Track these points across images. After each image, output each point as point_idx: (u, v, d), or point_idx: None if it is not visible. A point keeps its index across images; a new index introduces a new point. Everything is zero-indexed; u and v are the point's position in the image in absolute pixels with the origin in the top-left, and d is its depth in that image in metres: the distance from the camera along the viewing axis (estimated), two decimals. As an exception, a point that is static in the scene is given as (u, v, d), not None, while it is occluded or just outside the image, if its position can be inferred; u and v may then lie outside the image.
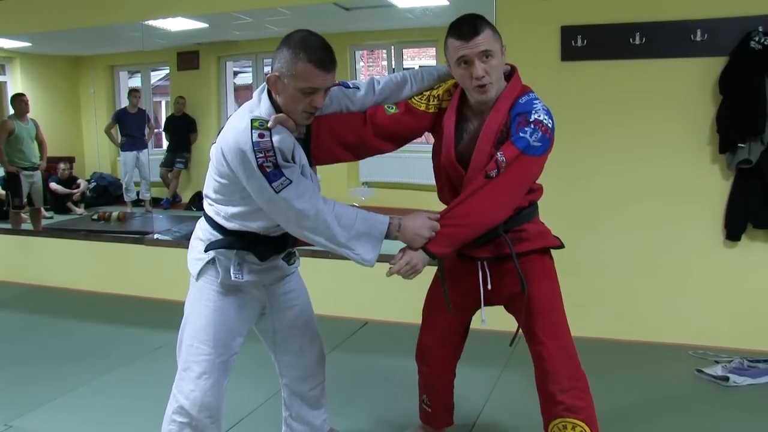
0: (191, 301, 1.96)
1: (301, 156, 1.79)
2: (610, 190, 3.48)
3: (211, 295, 1.92)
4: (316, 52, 1.69)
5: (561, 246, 2.05)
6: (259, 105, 1.77)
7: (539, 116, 1.82)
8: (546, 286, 2.02)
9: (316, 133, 1.87)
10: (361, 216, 1.80)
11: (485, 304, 2.06)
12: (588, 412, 1.99)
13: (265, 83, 1.80)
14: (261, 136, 1.69)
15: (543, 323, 2.00)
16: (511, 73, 1.94)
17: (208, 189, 1.89)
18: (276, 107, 1.76)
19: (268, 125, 1.70)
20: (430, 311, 2.18)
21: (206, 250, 1.89)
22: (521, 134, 1.81)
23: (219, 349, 1.92)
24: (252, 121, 1.71)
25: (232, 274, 1.87)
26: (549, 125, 1.83)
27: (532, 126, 1.81)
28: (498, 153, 1.81)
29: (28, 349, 3.60)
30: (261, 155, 1.67)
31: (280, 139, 1.70)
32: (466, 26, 1.81)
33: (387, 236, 1.82)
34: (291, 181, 1.70)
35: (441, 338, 2.18)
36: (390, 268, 1.85)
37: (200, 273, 1.93)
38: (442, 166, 1.98)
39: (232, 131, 1.74)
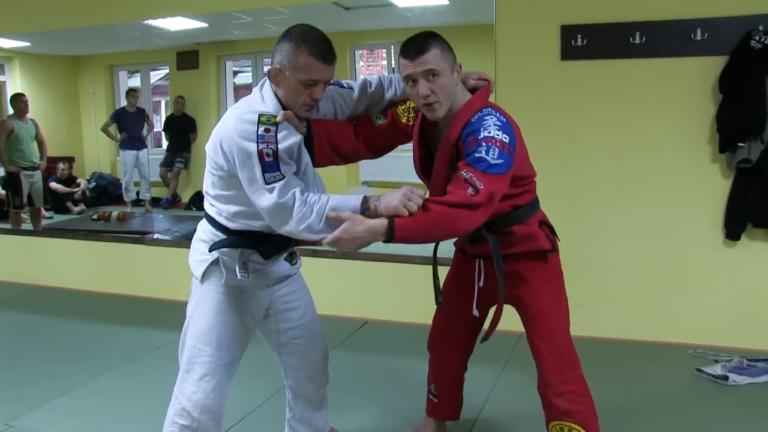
0: (194, 303, 1.96)
1: (304, 153, 1.81)
2: (610, 189, 3.48)
3: (215, 296, 1.92)
4: (318, 44, 1.73)
5: (551, 250, 2.02)
6: (264, 101, 1.78)
7: (490, 132, 1.73)
8: (543, 290, 2.03)
9: (318, 142, 1.89)
10: (334, 198, 1.72)
11: (491, 303, 2.13)
12: (584, 415, 2.00)
13: (264, 80, 1.82)
14: (267, 130, 1.71)
15: (538, 327, 2.03)
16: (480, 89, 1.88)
17: (207, 185, 1.90)
18: (282, 103, 1.78)
19: (276, 120, 1.72)
20: (444, 301, 2.20)
21: (210, 251, 1.89)
22: (477, 154, 1.71)
23: (222, 352, 1.92)
24: (259, 116, 1.72)
25: (238, 274, 1.87)
26: (505, 141, 1.73)
27: (484, 144, 1.72)
28: (463, 171, 1.72)
29: (29, 349, 3.60)
30: (263, 143, 1.69)
31: (285, 134, 1.73)
32: (413, 45, 1.77)
33: (365, 208, 1.70)
34: (283, 177, 1.70)
35: (450, 328, 2.25)
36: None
37: (205, 275, 1.92)
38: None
39: (234, 121, 1.74)
